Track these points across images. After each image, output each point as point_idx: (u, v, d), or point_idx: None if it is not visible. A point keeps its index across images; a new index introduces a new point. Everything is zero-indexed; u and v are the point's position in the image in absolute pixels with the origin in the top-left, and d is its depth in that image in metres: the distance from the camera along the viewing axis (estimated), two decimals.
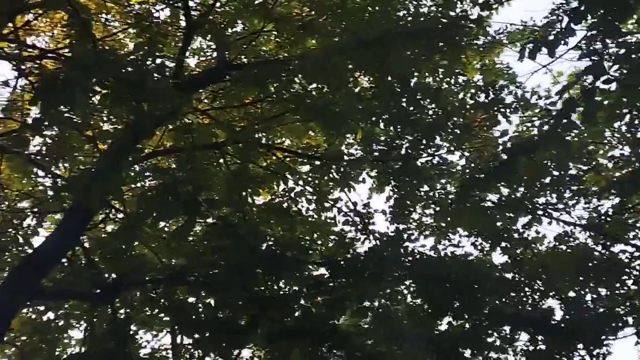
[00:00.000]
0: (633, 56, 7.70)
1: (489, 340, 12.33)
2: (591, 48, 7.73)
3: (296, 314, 7.42)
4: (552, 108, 12.57)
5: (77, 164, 11.62)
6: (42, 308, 10.58)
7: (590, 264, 13.18)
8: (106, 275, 9.12)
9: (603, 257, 13.35)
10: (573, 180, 13.03)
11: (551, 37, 6.95)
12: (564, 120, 6.93)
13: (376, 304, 9.89)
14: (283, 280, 7.95)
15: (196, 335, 9.00)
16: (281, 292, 7.71)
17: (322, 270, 8.72)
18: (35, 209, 10.73)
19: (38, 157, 11.35)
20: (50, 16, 13.38)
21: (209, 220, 8.27)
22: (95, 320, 9.74)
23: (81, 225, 9.69)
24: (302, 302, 7.53)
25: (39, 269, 8.99)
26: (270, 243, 7.53)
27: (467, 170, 11.79)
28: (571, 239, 13.53)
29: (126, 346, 8.26)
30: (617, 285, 13.32)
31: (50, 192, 10.59)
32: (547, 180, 12.73)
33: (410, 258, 10.80)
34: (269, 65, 10.92)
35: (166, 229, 11.74)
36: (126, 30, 12.57)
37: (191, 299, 9.49)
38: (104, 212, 11.27)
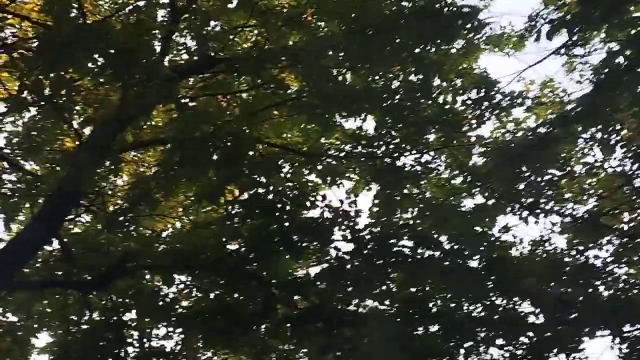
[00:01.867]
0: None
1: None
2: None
3: (313, 297, 7.03)
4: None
5: (45, 162, 11.14)
6: (9, 311, 9.95)
7: (565, 269, 13.27)
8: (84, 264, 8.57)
9: (577, 262, 13.47)
10: (549, 185, 13.17)
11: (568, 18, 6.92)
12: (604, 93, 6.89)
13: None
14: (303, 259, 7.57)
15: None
16: (297, 275, 7.31)
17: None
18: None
19: (6, 150, 10.85)
20: (19, 7, 12.81)
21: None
22: (85, 311, 9.12)
23: (57, 218, 9.18)
24: (320, 284, 7.13)
25: (13, 263, 8.47)
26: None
27: (450, 171, 11.70)
28: (547, 244, 13.62)
29: (123, 339, 7.69)
30: (591, 290, 13.45)
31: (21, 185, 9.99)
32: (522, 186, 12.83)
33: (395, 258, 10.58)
34: (252, 59, 10.62)
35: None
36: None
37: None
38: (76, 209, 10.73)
